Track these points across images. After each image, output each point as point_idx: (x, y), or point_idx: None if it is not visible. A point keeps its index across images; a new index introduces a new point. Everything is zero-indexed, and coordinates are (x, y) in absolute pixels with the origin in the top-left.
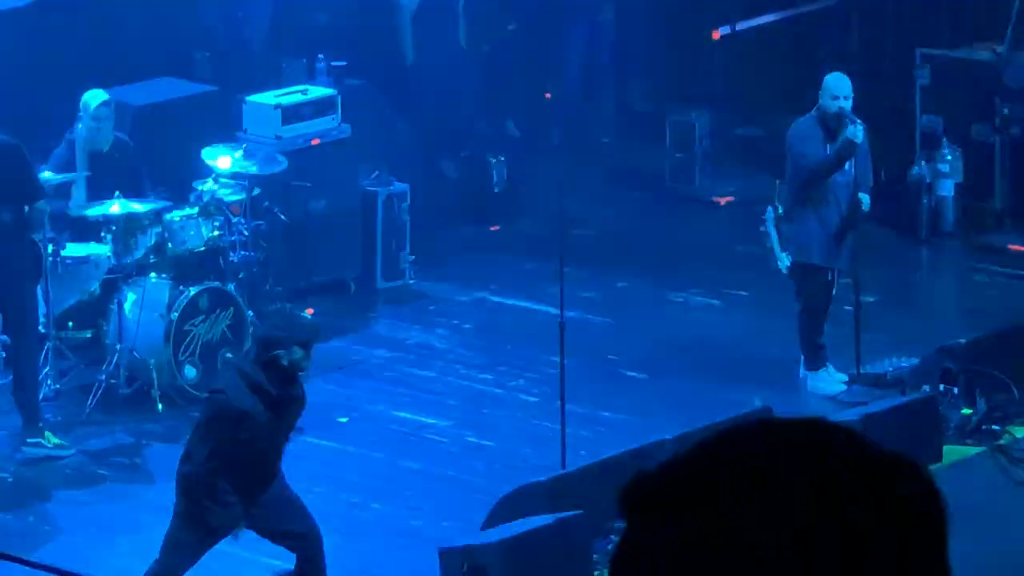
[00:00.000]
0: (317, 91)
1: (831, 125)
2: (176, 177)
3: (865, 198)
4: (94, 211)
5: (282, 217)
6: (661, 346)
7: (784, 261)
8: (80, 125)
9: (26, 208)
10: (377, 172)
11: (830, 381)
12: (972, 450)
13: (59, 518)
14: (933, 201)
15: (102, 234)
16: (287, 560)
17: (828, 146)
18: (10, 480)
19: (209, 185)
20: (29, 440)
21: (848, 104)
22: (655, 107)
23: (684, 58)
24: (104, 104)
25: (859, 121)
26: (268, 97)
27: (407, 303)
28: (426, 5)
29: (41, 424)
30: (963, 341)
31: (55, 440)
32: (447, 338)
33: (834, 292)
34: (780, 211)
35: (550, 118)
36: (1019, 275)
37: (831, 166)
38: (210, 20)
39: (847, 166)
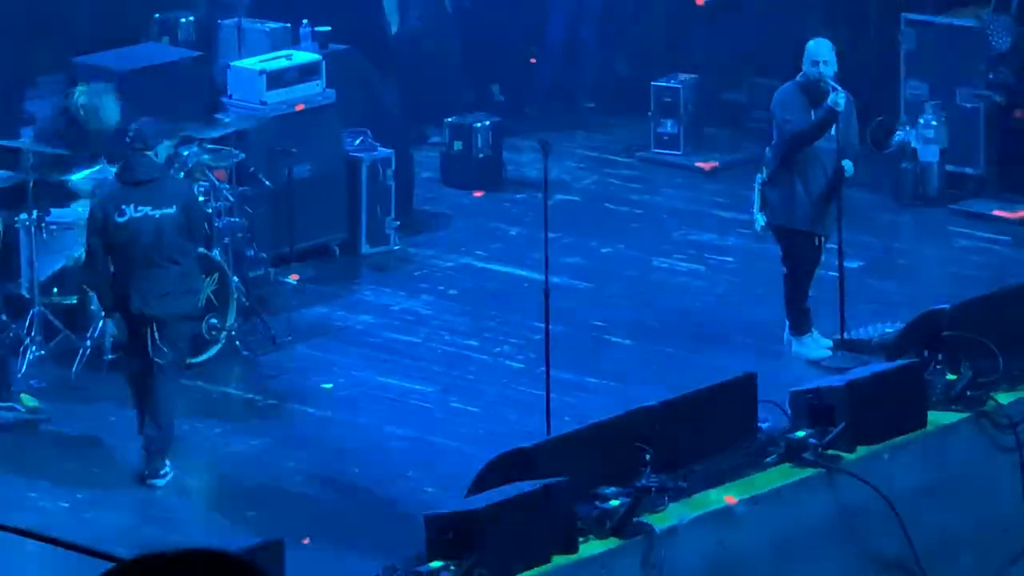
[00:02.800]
0: (302, 56)
1: (814, 91)
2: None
3: (848, 164)
4: (79, 176)
5: (267, 183)
6: (646, 312)
7: (760, 221)
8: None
9: None
10: (362, 138)
11: (815, 346)
12: (957, 416)
13: (45, 483)
14: (917, 167)
15: (87, 199)
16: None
17: (812, 112)
18: None
19: (194, 151)
20: (1, 404)
21: (830, 69)
22: (640, 73)
23: (669, 23)
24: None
25: (840, 88)
26: (253, 62)
27: (392, 269)
28: None
29: (14, 388)
30: (947, 307)
31: (31, 403)
32: (432, 304)
33: (820, 258)
34: (765, 175)
35: (535, 83)
36: (1003, 240)
37: (814, 133)
38: None
39: (832, 132)
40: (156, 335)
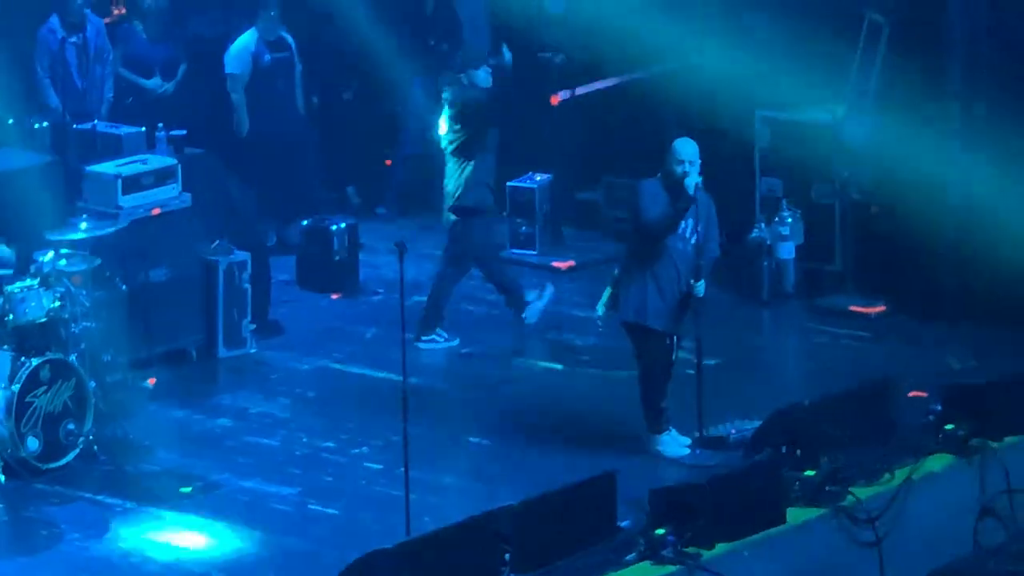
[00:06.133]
0: (157, 160)
1: (675, 189)
2: (17, 248)
3: (699, 287)
4: None
5: (123, 287)
6: (504, 412)
7: (599, 311)
8: None
9: None
10: (218, 241)
11: (673, 444)
12: (816, 512)
13: None
14: (774, 263)
15: None
16: None
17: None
18: None
19: (50, 256)
20: None
21: (695, 169)
22: (495, 173)
23: (524, 123)
24: None
25: (701, 189)
26: (109, 167)
27: (249, 372)
28: (264, 73)
29: None
30: (806, 403)
31: None
32: (290, 407)
33: (675, 355)
34: (616, 273)
35: (390, 185)
36: (860, 336)
37: (670, 221)
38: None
39: (689, 234)
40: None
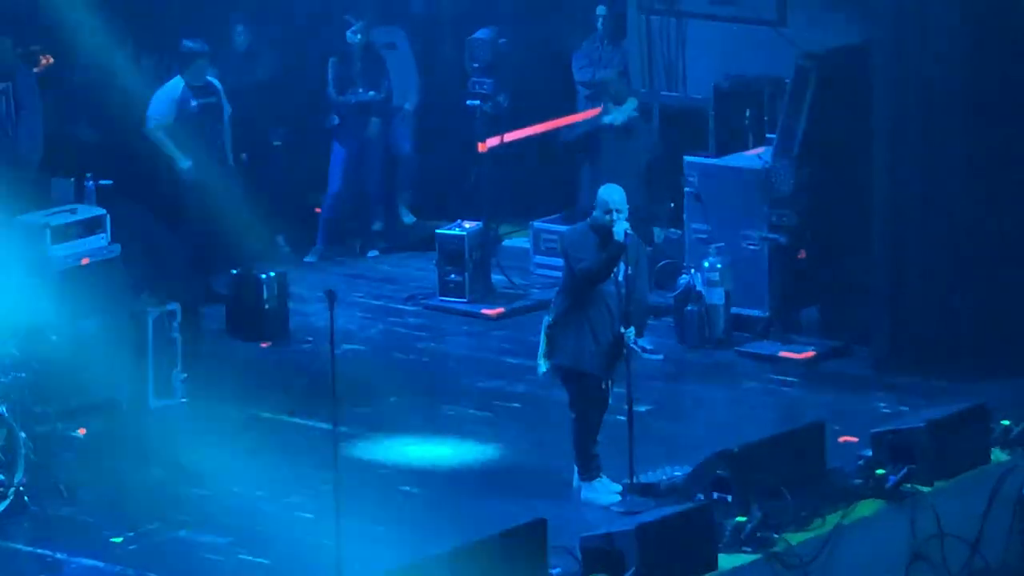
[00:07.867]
0: (86, 210)
1: (604, 234)
2: None
3: (629, 334)
4: None
5: (53, 337)
6: (436, 459)
7: (542, 367)
8: None
9: None
10: (147, 291)
11: (604, 491)
12: (747, 558)
13: None
14: (703, 309)
15: None
16: None
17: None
18: None
19: None
20: None
21: (621, 216)
22: (424, 220)
23: (452, 170)
24: None
25: (630, 233)
26: (37, 217)
27: (180, 421)
28: (191, 119)
29: None
30: (735, 448)
31: None
32: (220, 456)
33: (608, 402)
34: (551, 319)
35: (319, 232)
36: (789, 381)
37: (606, 268)
38: None
39: (621, 278)
40: None
